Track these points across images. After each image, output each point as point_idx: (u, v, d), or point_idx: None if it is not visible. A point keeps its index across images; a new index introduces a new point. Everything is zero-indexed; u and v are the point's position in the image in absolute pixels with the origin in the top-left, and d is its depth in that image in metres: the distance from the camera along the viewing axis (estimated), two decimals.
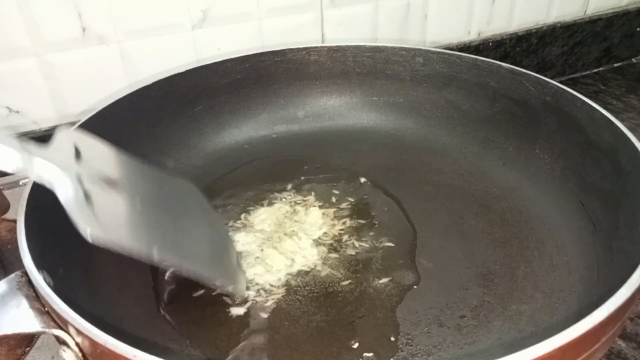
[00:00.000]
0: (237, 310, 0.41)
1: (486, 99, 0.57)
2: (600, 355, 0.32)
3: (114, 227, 0.31)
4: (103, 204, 0.31)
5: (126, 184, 0.34)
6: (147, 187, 0.37)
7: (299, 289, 0.43)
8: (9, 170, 0.29)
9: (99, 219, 0.30)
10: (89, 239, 0.29)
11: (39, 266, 0.33)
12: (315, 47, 0.61)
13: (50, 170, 0.30)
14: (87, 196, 0.31)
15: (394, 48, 0.60)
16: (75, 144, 0.33)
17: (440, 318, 0.40)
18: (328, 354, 0.38)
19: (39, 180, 0.30)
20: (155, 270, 0.44)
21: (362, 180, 0.55)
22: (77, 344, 0.31)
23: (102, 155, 0.35)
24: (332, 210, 0.50)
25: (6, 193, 0.48)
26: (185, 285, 0.43)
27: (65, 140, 0.33)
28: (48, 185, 0.30)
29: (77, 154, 0.33)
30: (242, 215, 0.50)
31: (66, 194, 0.30)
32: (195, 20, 0.61)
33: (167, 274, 0.44)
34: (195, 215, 0.40)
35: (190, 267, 0.36)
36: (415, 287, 0.43)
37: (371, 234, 0.48)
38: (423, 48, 0.60)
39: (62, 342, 0.31)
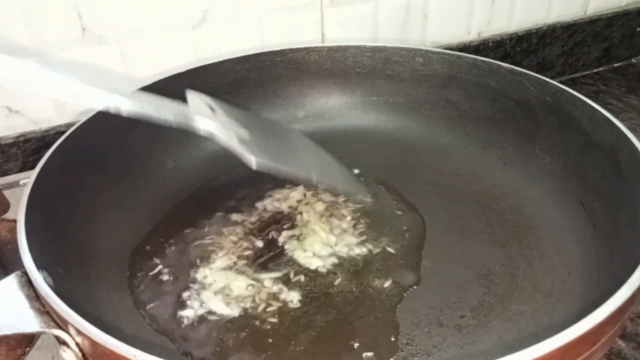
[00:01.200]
0: (238, 311, 0.41)
1: (486, 99, 0.57)
2: (600, 355, 0.32)
3: (268, 154, 0.38)
4: (250, 140, 0.38)
5: (255, 129, 0.41)
6: (269, 130, 0.46)
7: (299, 288, 0.43)
8: (171, 123, 0.36)
9: (255, 150, 0.37)
10: (254, 166, 0.36)
11: (39, 266, 0.33)
12: (315, 47, 0.61)
13: (205, 121, 0.37)
14: (238, 137, 0.38)
15: (394, 48, 0.60)
16: (207, 103, 0.40)
17: (440, 318, 0.40)
18: (328, 354, 0.38)
19: (197, 131, 0.37)
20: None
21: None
22: (77, 344, 0.31)
23: (227, 110, 0.42)
24: (331, 210, 0.50)
25: (6, 193, 0.48)
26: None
27: (198, 100, 0.40)
28: (206, 134, 0.37)
29: (212, 109, 0.40)
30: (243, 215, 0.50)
31: (224, 136, 0.37)
32: (195, 20, 0.61)
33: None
34: (312, 148, 0.49)
35: (331, 183, 0.46)
36: (415, 287, 0.43)
37: (371, 234, 0.48)
38: (423, 48, 0.60)
39: (62, 342, 0.31)
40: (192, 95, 0.40)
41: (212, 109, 0.40)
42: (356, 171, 0.56)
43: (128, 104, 0.34)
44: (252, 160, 0.36)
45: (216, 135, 0.37)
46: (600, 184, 0.46)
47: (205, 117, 0.38)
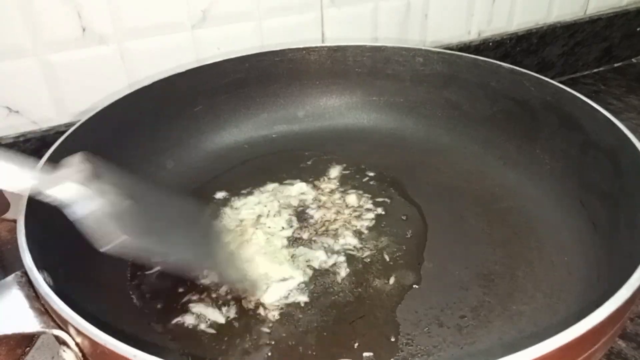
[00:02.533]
0: (238, 311, 0.41)
1: (486, 99, 0.57)
2: (600, 356, 0.32)
3: (136, 234, 0.33)
4: (121, 215, 0.33)
5: (136, 198, 0.36)
6: (155, 201, 0.40)
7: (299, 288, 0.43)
8: (21, 192, 0.31)
9: (124, 227, 0.32)
10: (117, 243, 0.31)
11: (39, 266, 0.33)
12: (315, 47, 0.61)
13: (69, 187, 0.32)
14: (106, 210, 0.33)
15: (394, 48, 0.60)
16: (85, 164, 0.35)
17: (440, 318, 0.40)
18: (328, 354, 0.38)
19: (53, 201, 0.32)
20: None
21: (363, 180, 0.55)
22: (77, 344, 0.31)
23: (111, 174, 0.36)
24: (332, 210, 0.51)
25: (6, 193, 0.48)
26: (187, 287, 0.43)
27: (75, 161, 0.35)
28: (65, 204, 0.32)
29: (95, 175, 0.34)
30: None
31: (87, 209, 0.32)
32: (195, 20, 0.61)
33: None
34: (196, 223, 0.43)
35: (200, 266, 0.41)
36: (415, 287, 0.43)
37: (371, 233, 0.48)
38: (423, 48, 0.60)
39: (62, 342, 0.31)
40: (71, 159, 0.35)
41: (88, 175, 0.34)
42: (356, 171, 0.56)
43: None
44: (114, 238, 0.31)
45: (73, 205, 0.32)
46: (600, 184, 0.46)
47: (70, 180, 0.32)
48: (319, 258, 0.45)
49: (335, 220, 0.49)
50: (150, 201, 0.38)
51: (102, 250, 0.31)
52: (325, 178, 0.55)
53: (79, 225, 0.32)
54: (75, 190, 0.32)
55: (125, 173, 0.37)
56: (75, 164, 0.34)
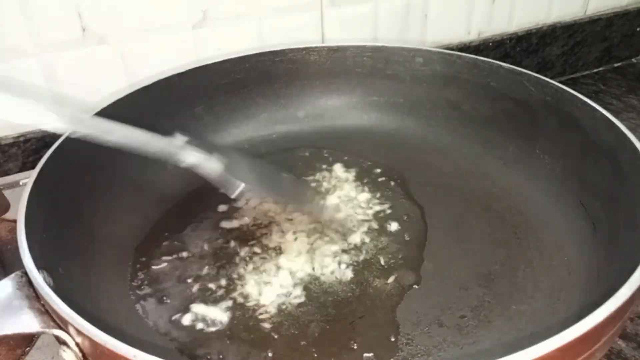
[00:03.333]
0: (239, 312, 0.41)
1: (486, 99, 0.57)
2: (600, 355, 0.32)
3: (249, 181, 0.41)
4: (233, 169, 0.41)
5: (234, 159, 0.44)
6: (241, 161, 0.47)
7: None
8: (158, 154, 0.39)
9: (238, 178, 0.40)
10: (240, 190, 0.39)
11: (39, 266, 0.33)
12: (315, 47, 0.61)
13: (194, 154, 0.40)
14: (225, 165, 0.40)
15: (394, 48, 0.60)
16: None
17: (440, 318, 0.40)
18: (328, 354, 0.38)
19: (184, 164, 0.39)
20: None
21: (363, 180, 0.55)
22: (77, 344, 0.31)
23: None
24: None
25: (6, 193, 0.48)
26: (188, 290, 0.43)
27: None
28: (194, 166, 0.39)
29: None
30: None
31: (212, 168, 0.39)
32: (195, 20, 0.61)
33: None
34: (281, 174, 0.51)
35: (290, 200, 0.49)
36: (415, 287, 0.43)
37: (371, 233, 0.48)
38: (423, 48, 0.60)
39: (62, 342, 0.31)
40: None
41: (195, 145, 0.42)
42: (356, 171, 0.56)
43: (117, 133, 0.36)
44: (240, 188, 0.39)
45: (201, 166, 0.39)
46: (600, 184, 0.46)
47: (192, 149, 0.40)
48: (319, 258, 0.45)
49: (335, 220, 0.49)
50: (238, 160, 0.45)
51: (232, 196, 0.39)
52: (325, 178, 0.55)
53: (210, 180, 0.39)
54: (197, 156, 0.39)
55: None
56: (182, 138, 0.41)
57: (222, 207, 0.51)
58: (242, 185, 0.39)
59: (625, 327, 0.43)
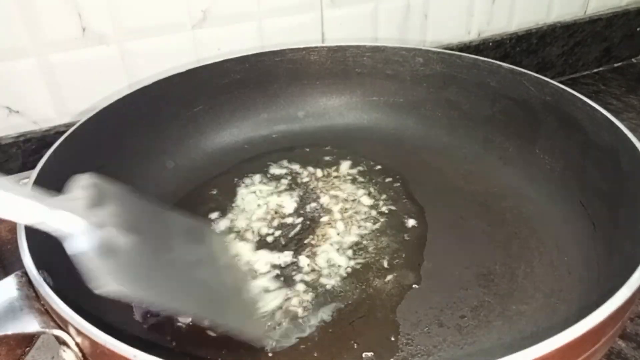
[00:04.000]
0: None
1: (486, 99, 0.57)
2: (600, 356, 0.32)
3: (132, 279, 0.30)
4: (121, 254, 0.30)
5: (142, 229, 0.33)
6: (162, 231, 0.36)
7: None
8: (22, 222, 0.29)
9: (118, 270, 0.29)
10: (106, 291, 0.28)
11: (39, 266, 0.33)
12: (315, 47, 0.61)
13: (69, 220, 0.28)
14: (105, 247, 0.29)
15: (394, 48, 0.60)
16: (90, 190, 0.31)
17: (440, 318, 0.40)
18: (328, 354, 0.38)
19: (55, 233, 0.29)
20: None
21: (362, 180, 0.55)
22: (77, 344, 0.31)
23: (117, 200, 0.33)
24: (331, 210, 0.51)
25: None
26: None
27: (79, 188, 0.31)
28: (65, 238, 0.29)
29: (99, 201, 0.31)
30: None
31: (81, 245, 0.29)
32: (195, 20, 0.61)
33: None
34: (208, 261, 0.39)
35: (201, 317, 0.37)
36: (415, 287, 0.43)
37: (371, 233, 0.48)
38: (423, 48, 0.60)
39: (62, 342, 0.31)
40: (75, 182, 0.31)
41: (93, 202, 0.30)
42: (355, 172, 0.56)
43: None
44: (102, 284, 0.28)
45: (71, 240, 0.28)
46: (600, 184, 0.46)
47: (71, 211, 0.28)
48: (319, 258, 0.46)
49: (334, 220, 0.49)
50: (156, 233, 0.35)
51: (95, 292, 0.28)
52: (324, 178, 0.55)
53: (75, 261, 0.29)
54: (71, 221, 0.28)
55: (132, 192, 0.34)
56: (78, 189, 0.31)
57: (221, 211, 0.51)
58: (112, 287, 0.28)
59: (625, 327, 0.43)
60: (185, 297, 0.33)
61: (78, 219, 0.29)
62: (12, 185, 0.28)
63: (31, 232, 0.35)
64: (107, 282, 0.28)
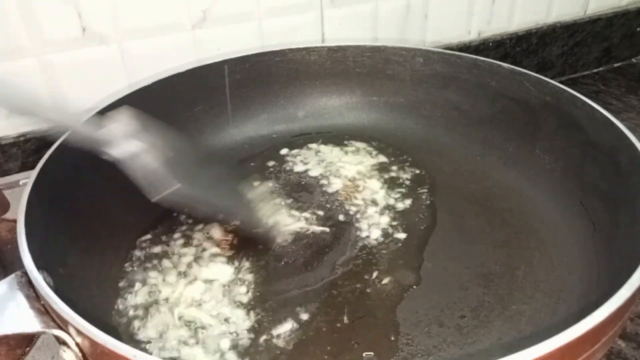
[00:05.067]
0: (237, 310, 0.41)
1: (486, 99, 0.57)
2: (600, 356, 0.32)
3: (185, 182, 0.36)
4: (171, 165, 0.36)
5: (181, 152, 0.40)
6: (192, 157, 0.43)
7: None
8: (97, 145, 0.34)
9: (172, 177, 0.35)
10: (174, 190, 0.34)
11: (39, 266, 0.33)
12: (315, 47, 0.61)
13: (131, 143, 0.35)
14: (156, 160, 0.36)
15: (394, 48, 0.60)
16: (133, 121, 0.38)
17: (440, 318, 0.40)
18: (328, 353, 0.38)
19: (119, 155, 0.35)
20: None
21: (362, 180, 0.55)
22: (77, 344, 0.31)
23: (154, 129, 0.40)
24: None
25: (6, 193, 0.48)
26: None
27: (122, 116, 0.38)
28: (129, 157, 0.34)
29: (144, 128, 0.38)
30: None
31: (145, 160, 0.35)
32: (195, 20, 0.61)
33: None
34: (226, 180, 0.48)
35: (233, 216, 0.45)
36: (415, 287, 0.43)
37: (371, 233, 0.48)
38: (423, 48, 0.60)
39: (62, 342, 0.31)
40: (120, 113, 0.38)
41: (139, 130, 0.38)
42: (355, 172, 0.56)
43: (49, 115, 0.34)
44: (169, 185, 0.34)
45: (135, 158, 0.35)
46: (600, 184, 0.46)
47: (131, 137, 0.36)
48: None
49: (331, 220, 0.49)
50: (193, 156, 0.42)
51: (153, 200, 0.34)
52: (324, 177, 0.55)
53: (134, 176, 0.34)
54: (128, 143, 0.34)
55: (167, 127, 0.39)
56: (123, 118, 0.36)
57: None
58: (175, 186, 0.34)
59: (625, 327, 0.43)
60: (218, 200, 0.42)
61: (133, 141, 0.35)
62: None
63: (31, 232, 0.36)
64: (168, 183, 0.34)
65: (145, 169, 0.34)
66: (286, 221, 0.48)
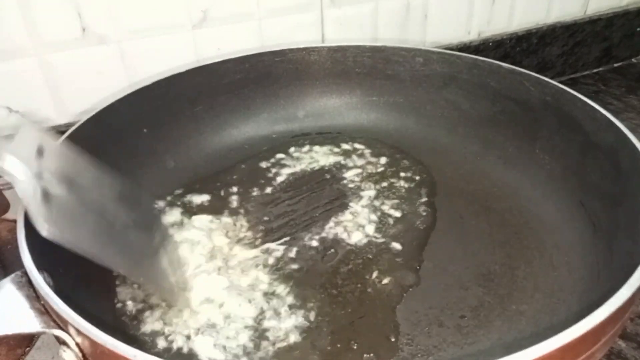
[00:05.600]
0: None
1: (486, 99, 0.57)
2: (601, 356, 0.32)
3: (67, 227, 0.32)
4: (58, 203, 0.32)
5: (81, 186, 0.35)
6: (101, 191, 0.38)
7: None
8: None
9: (55, 216, 0.31)
10: (44, 235, 0.30)
11: (39, 266, 0.33)
12: (315, 47, 0.61)
13: (12, 163, 0.30)
14: (45, 194, 0.31)
15: (394, 48, 0.60)
16: (38, 142, 0.33)
17: (440, 318, 0.40)
18: (328, 354, 0.38)
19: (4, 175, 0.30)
20: None
21: (362, 180, 0.55)
22: (77, 344, 0.31)
23: (61, 156, 0.35)
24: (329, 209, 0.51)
25: (6, 193, 0.48)
26: None
27: (28, 137, 0.33)
28: (7, 178, 0.30)
29: (40, 151, 0.33)
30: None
31: (26, 189, 0.30)
32: (195, 20, 0.61)
33: None
34: (140, 225, 0.41)
35: (129, 273, 0.39)
36: (415, 287, 0.43)
37: (371, 233, 0.48)
38: (423, 48, 0.60)
39: (62, 342, 0.31)
40: (24, 131, 0.33)
41: (40, 153, 0.33)
42: (356, 172, 0.56)
43: None
44: (44, 229, 0.30)
45: (14, 181, 0.30)
46: (600, 184, 0.46)
47: (15, 155, 0.30)
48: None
49: (333, 220, 0.49)
50: (92, 190, 0.36)
51: (42, 234, 0.30)
52: (324, 179, 0.55)
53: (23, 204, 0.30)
54: (15, 166, 0.30)
55: (72, 149, 0.36)
56: (23, 138, 0.32)
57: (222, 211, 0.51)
58: (46, 231, 0.30)
59: (625, 327, 0.43)
60: (114, 252, 0.36)
61: (21, 165, 0.30)
62: None
63: (31, 232, 0.36)
64: (45, 226, 0.30)
65: (23, 198, 0.30)
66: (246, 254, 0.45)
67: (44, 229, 0.30)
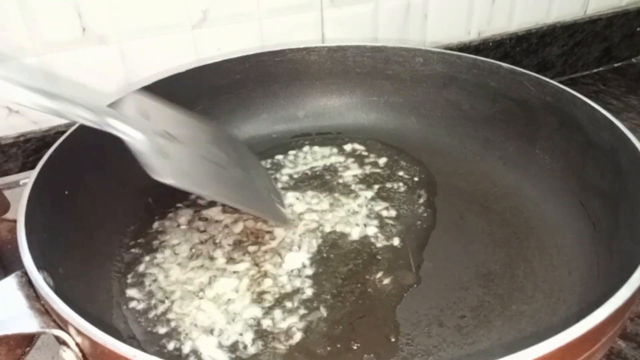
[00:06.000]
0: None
1: (486, 99, 0.57)
2: (600, 356, 0.32)
3: (181, 174, 0.37)
4: (171, 154, 0.37)
5: (187, 138, 0.40)
6: (203, 140, 0.43)
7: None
8: (86, 123, 0.35)
9: (170, 166, 0.36)
10: (167, 182, 0.35)
11: (39, 266, 0.33)
12: (315, 47, 0.61)
13: (124, 128, 0.35)
14: (158, 149, 0.36)
15: (394, 48, 0.60)
16: (141, 106, 0.39)
17: (440, 318, 0.40)
18: (328, 354, 0.38)
19: (116, 134, 0.35)
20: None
21: (362, 179, 0.55)
22: (77, 344, 0.31)
23: (164, 115, 0.41)
24: (330, 209, 0.51)
25: (6, 193, 0.48)
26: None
27: (132, 103, 0.39)
28: (126, 139, 0.35)
29: (145, 114, 0.38)
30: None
31: (141, 147, 0.35)
32: (195, 20, 0.61)
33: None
34: (243, 164, 0.47)
35: (240, 206, 0.43)
36: (415, 287, 0.43)
37: (371, 233, 0.48)
38: (423, 48, 0.60)
39: (62, 342, 0.31)
40: (129, 98, 0.39)
41: (145, 115, 0.39)
42: (356, 172, 0.56)
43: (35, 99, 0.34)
44: (163, 179, 0.35)
45: (130, 142, 0.36)
46: (600, 184, 0.46)
47: (125, 121, 0.36)
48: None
49: (332, 219, 0.49)
50: (200, 138, 0.42)
51: (158, 180, 0.34)
52: (324, 176, 0.55)
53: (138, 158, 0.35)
54: (129, 130, 0.35)
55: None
56: (132, 103, 0.38)
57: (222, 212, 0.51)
58: (168, 179, 0.35)
59: (625, 327, 0.43)
60: (225, 189, 0.41)
61: (134, 131, 0.35)
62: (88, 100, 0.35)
63: (31, 232, 0.36)
64: (164, 175, 0.35)
65: (142, 155, 0.35)
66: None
67: (165, 178, 0.34)
